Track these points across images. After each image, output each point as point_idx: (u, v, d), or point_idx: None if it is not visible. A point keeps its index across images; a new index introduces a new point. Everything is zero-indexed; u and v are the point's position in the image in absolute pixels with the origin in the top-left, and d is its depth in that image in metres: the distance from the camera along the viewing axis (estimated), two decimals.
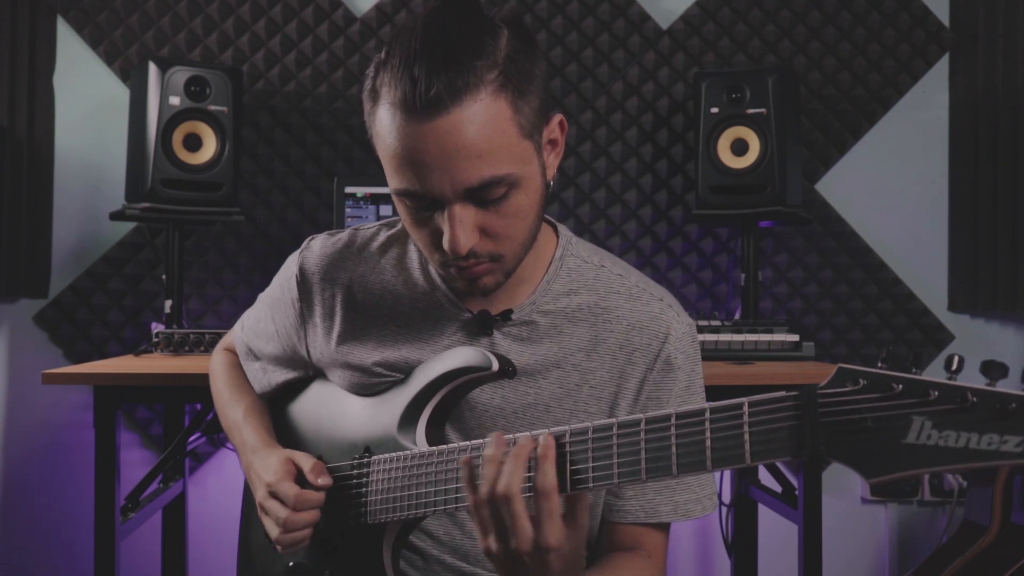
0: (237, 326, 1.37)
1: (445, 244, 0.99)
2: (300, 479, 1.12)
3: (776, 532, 2.52)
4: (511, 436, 0.96)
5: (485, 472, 0.92)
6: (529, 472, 0.92)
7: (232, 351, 1.39)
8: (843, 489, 2.71)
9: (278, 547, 1.12)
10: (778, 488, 2.26)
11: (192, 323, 2.52)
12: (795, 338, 2.17)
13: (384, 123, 0.97)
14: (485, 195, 0.97)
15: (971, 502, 2.35)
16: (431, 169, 0.95)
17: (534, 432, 0.95)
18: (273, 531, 1.11)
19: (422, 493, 1.04)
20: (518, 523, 0.90)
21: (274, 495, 1.11)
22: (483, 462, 0.93)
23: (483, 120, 0.94)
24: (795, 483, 2.12)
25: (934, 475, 2.66)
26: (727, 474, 2.57)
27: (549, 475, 0.89)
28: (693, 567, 2.69)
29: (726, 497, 2.55)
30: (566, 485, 0.91)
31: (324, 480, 1.11)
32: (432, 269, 1.15)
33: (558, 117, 1.06)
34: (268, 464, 1.14)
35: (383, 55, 0.98)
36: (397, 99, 0.94)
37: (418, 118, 0.93)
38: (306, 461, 1.13)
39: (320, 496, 1.10)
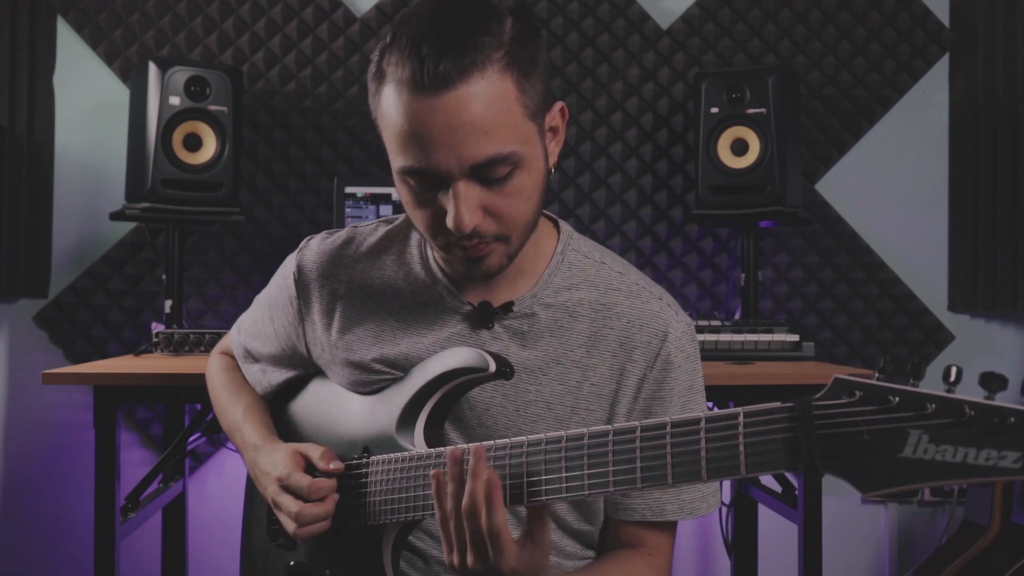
0: (234, 329, 1.37)
1: (449, 222, 0.98)
2: (310, 470, 1.12)
3: (776, 532, 2.52)
4: (491, 443, 0.98)
5: (448, 488, 0.94)
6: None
7: (228, 354, 1.39)
8: (843, 489, 2.67)
9: (297, 540, 1.12)
10: (778, 488, 2.26)
11: (192, 323, 2.52)
12: (795, 338, 2.17)
13: (390, 102, 0.97)
14: (490, 173, 0.98)
15: (971, 502, 2.35)
16: (437, 145, 0.95)
17: (534, 438, 0.95)
18: (289, 525, 1.10)
19: (420, 496, 1.04)
20: (475, 542, 0.92)
21: (286, 489, 1.10)
22: (447, 478, 0.94)
23: (489, 97, 0.95)
24: (795, 483, 2.12)
25: None
26: None
27: (496, 519, 0.91)
28: (693, 567, 2.69)
29: (726, 497, 2.55)
30: (564, 492, 0.92)
31: (335, 465, 1.11)
32: (433, 262, 1.16)
33: (559, 104, 1.07)
34: (275, 459, 1.14)
35: (389, 38, 0.99)
36: (405, 77, 0.95)
37: (426, 94, 0.94)
38: (314, 450, 1.13)
39: (332, 483, 1.10)
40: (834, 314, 2.69)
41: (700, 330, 2.16)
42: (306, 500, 1.09)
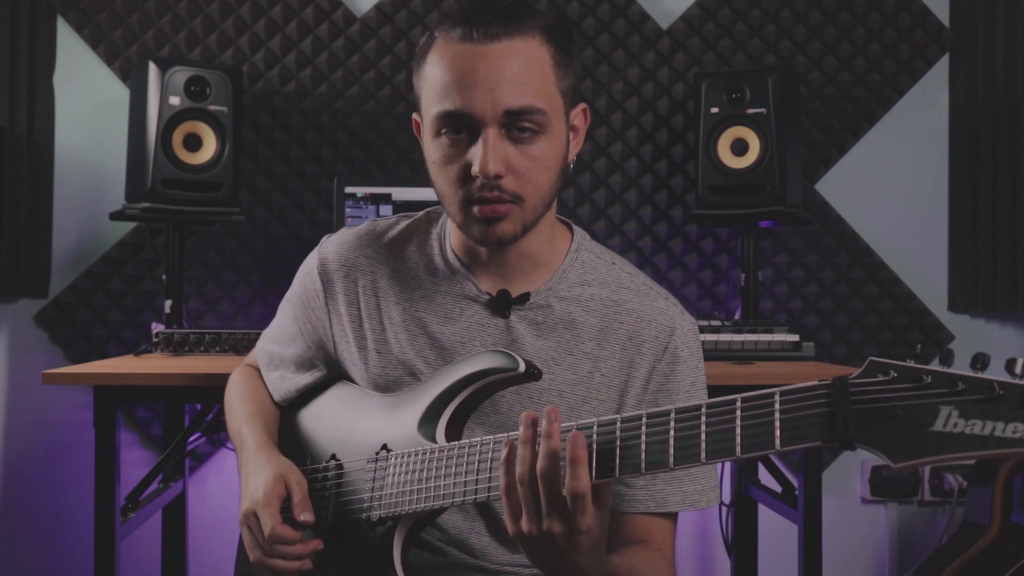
0: (259, 340, 1.39)
1: (475, 168, 1.05)
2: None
3: (776, 532, 2.52)
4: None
5: (520, 453, 0.92)
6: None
7: (253, 366, 1.41)
8: (843, 489, 2.71)
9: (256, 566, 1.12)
10: (778, 488, 2.26)
11: (192, 323, 2.52)
12: (795, 338, 2.17)
13: (435, 59, 1.08)
14: (518, 123, 1.06)
15: (971, 502, 2.35)
16: (478, 87, 1.04)
17: (565, 425, 0.95)
18: (252, 553, 1.10)
19: (440, 485, 1.04)
20: (552, 506, 0.90)
21: (256, 516, 1.10)
22: (519, 443, 0.93)
23: (528, 56, 1.06)
24: (795, 483, 2.12)
25: (935, 474, 2.66)
26: (727, 474, 2.57)
27: (583, 479, 0.89)
28: (693, 567, 2.69)
29: (726, 497, 2.55)
30: (592, 474, 0.92)
31: (306, 517, 1.09)
32: (451, 253, 1.20)
33: (583, 105, 1.15)
34: (260, 479, 1.13)
35: (439, 20, 1.10)
36: (457, 34, 1.06)
37: (474, 43, 1.05)
38: (298, 490, 1.11)
39: (296, 535, 1.09)
40: (834, 314, 2.69)
41: (700, 330, 2.13)
42: (265, 543, 1.08)
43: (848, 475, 2.71)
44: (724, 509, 2.54)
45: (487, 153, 1.04)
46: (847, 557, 2.70)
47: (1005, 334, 2.73)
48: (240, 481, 1.19)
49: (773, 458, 2.44)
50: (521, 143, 1.06)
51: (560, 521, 0.91)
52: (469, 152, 1.06)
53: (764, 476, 2.45)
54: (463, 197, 1.08)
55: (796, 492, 2.05)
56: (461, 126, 1.06)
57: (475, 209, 1.08)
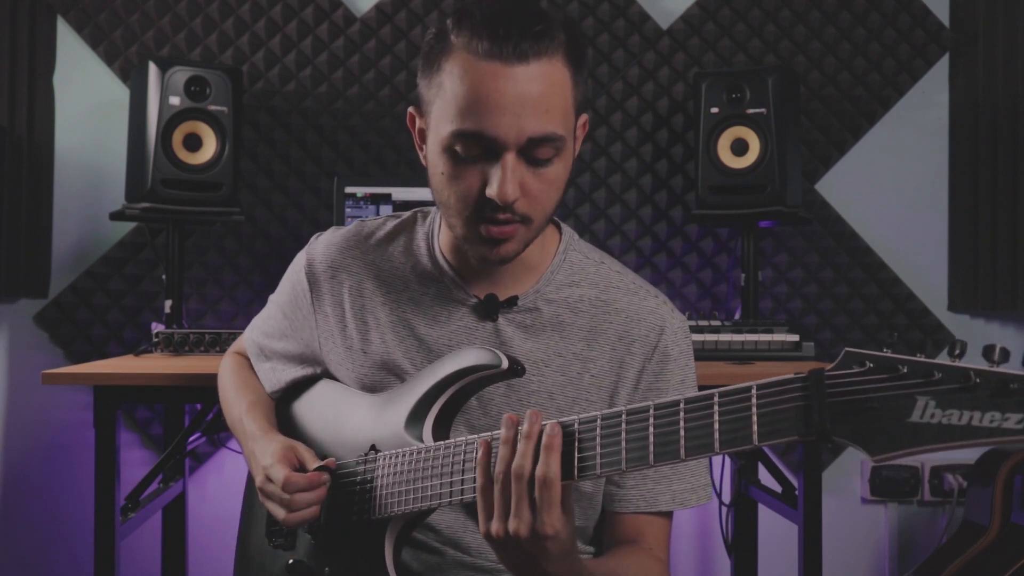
0: (248, 329, 1.39)
1: (492, 190, 1.02)
2: (302, 471, 1.14)
3: (776, 532, 2.52)
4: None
5: (500, 452, 0.93)
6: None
7: (241, 354, 1.41)
8: (843, 489, 2.71)
9: (286, 527, 1.14)
10: (778, 488, 2.25)
11: (192, 323, 2.52)
12: (795, 338, 2.17)
13: (456, 70, 1.02)
14: (538, 152, 1.03)
15: (971, 502, 2.35)
16: (504, 112, 1.00)
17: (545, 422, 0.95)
18: (278, 512, 1.12)
19: (428, 486, 1.04)
20: (521, 505, 0.91)
21: (269, 479, 1.13)
22: (500, 443, 0.93)
23: (554, 80, 1.03)
24: (795, 483, 2.12)
25: (935, 474, 2.66)
26: (727, 474, 2.57)
27: (552, 466, 0.90)
28: (693, 567, 2.69)
29: (726, 497, 2.55)
30: (573, 473, 0.92)
31: (326, 461, 1.13)
32: (439, 254, 1.19)
33: (584, 116, 1.13)
34: (267, 450, 1.16)
35: (454, 19, 1.04)
36: (483, 48, 1.00)
37: (503, 62, 1.00)
38: (309, 457, 1.14)
39: (309, 478, 1.10)
40: (834, 314, 2.69)
41: (700, 330, 2.16)
42: (284, 492, 1.10)
43: (848, 475, 2.71)
44: (724, 509, 2.54)
45: (506, 178, 1.02)
46: (847, 557, 2.70)
47: (1005, 334, 2.73)
48: (249, 468, 1.21)
49: (773, 458, 2.44)
50: (537, 166, 1.04)
51: (527, 521, 0.90)
52: (482, 171, 1.04)
53: (764, 476, 2.45)
54: (472, 215, 1.06)
55: (796, 492, 2.05)
56: (477, 145, 1.03)
57: (482, 228, 1.06)
